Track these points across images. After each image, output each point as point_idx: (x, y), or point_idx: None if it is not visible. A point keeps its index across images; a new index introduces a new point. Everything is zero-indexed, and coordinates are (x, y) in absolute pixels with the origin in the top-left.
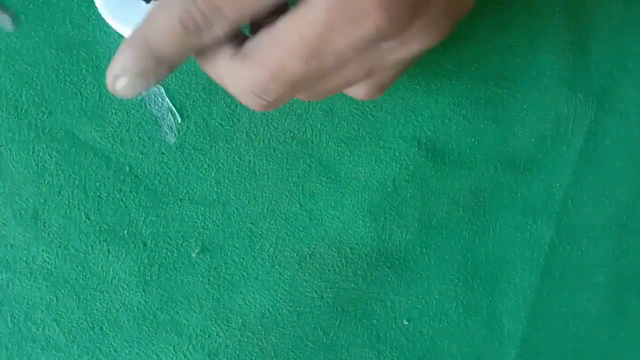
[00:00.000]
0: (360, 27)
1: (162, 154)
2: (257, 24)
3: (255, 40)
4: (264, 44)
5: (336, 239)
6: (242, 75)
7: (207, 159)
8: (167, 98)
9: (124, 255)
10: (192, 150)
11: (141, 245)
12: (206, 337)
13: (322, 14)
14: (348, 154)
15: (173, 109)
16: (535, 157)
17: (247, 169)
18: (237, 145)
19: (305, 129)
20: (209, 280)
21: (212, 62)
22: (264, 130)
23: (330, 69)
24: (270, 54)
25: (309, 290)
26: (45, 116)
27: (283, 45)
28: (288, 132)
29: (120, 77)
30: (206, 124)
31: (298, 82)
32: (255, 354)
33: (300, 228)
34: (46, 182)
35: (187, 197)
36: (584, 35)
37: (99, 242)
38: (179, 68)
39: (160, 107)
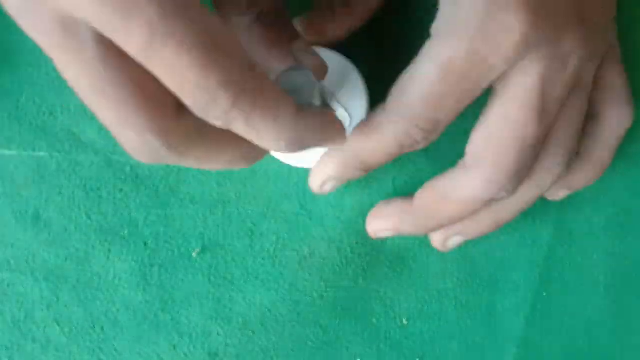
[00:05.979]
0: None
1: None
2: None
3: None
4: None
5: (336, 239)
6: (470, 183)
7: None
8: None
9: (124, 255)
10: None
11: (142, 245)
12: (207, 336)
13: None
14: None
15: None
16: None
17: (247, 169)
18: None
19: None
20: (209, 279)
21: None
22: None
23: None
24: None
25: (309, 289)
26: (45, 116)
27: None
28: None
29: (328, 183)
30: None
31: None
32: (255, 353)
33: (300, 228)
34: (47, 182)
35: (187, 197)
36: None
37: (100, 242)
38: None
39: None
